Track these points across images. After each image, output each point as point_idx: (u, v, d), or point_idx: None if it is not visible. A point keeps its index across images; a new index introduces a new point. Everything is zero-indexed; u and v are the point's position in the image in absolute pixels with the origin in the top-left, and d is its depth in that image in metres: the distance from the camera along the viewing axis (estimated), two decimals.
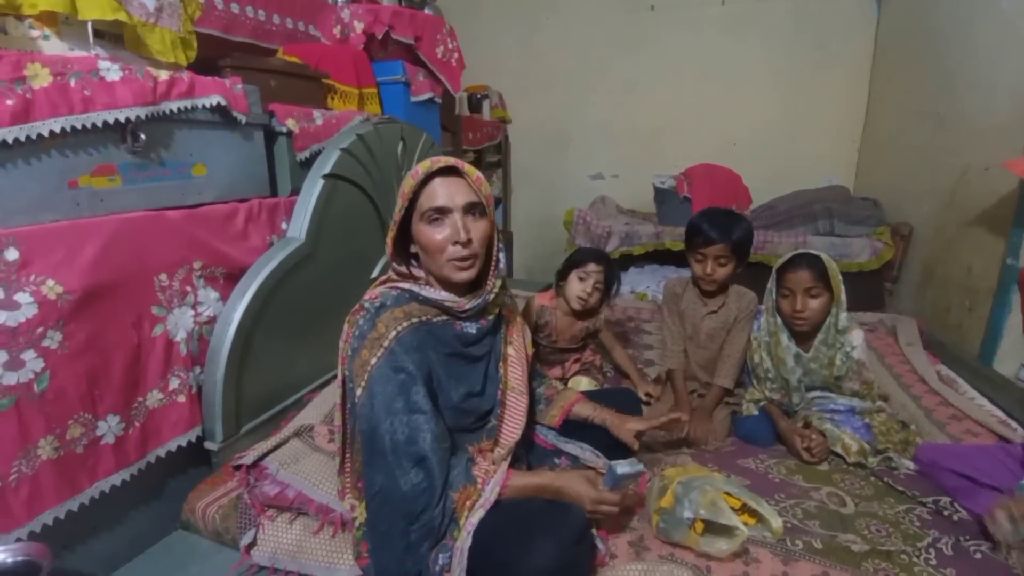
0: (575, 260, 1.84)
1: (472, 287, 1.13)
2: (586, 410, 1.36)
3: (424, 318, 1.08)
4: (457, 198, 1.04)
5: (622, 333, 2.42)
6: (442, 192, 1.04)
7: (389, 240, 1.10)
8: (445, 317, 1.11)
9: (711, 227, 1.65)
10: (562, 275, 1.86)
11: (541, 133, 4.36)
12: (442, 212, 1.04)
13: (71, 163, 1.19)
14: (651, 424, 1.34)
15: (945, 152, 2.57)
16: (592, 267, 1.79)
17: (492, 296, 1.13)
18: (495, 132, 4.00)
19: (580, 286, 1.79)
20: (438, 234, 1.04)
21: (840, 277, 1.53)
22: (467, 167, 1.07)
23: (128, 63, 1.30)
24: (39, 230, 1.10)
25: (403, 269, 1.13)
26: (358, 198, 1.92)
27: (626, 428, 1.31)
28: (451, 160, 1.07)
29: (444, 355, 1.09)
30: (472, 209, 1.06)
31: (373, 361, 1.00)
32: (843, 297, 1.53)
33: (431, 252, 1.06)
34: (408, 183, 1.05)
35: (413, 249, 1.12)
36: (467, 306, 1.10)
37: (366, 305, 1.07)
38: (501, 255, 1.14)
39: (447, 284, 1.11)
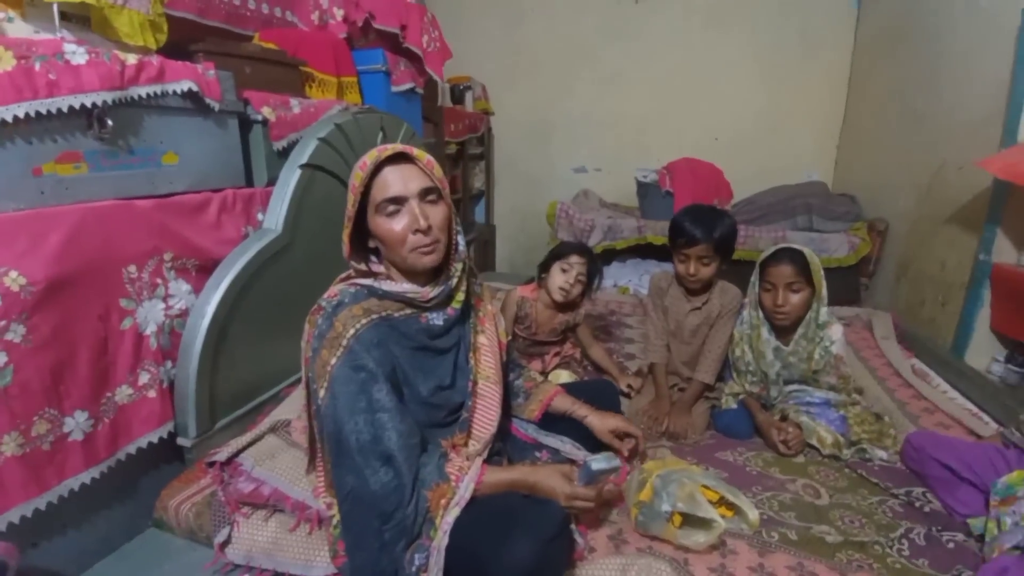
0: (558, 252, 1.84)
1: (434, 275, 1.11)
2: (564, 404, 1.35)
3: (384, 313, 1.05)
4: (411, 185, 1.02)
5: (604, 327, 2.42)
6: (394, 180, 1.01)
7: (345, 237, 1.07)
8: (409, 311, 1.09)
9: (693, 226, 1.63)
10: (544, 267, 1.86)
11: (524, 125, 4.34)
12: (397, 202, 1.01)
13: (35, 150, 1.14)
14: (627, 425, 1.34)
15: (922, 148, 2.61)
16: (575, 259, 1.79)
17: (455, 281, 1.11)
18: (478, 124, 3.97)
19: (562, 278, 1.79)
20: (396, 225, 1.02)
21: (822, 272, 1.55)
22: (417, 151, 1.04)
23: (95, 46, 1.25)
24: (1, 219, 1.06)
25: (362, 267, 1.10)
26: (336, 189, 1.88)
27: (606, 431, 1.31)
28: (399, 146, 1.03)
29: (409, 349, 1.07)
30: (428, 194, 1.03)
31: (333, 361, 0.98)
32: (824, 292, 1.55)
33: (392, 244, 1.03)
34: (357, 176, 1.02)
35: (371, 244, 1.10)
36: (431, 295, 1.08)
37: (324, 304, 1.05)
38: (460, 239, 1.11)
39: (410, 275, 1.09)
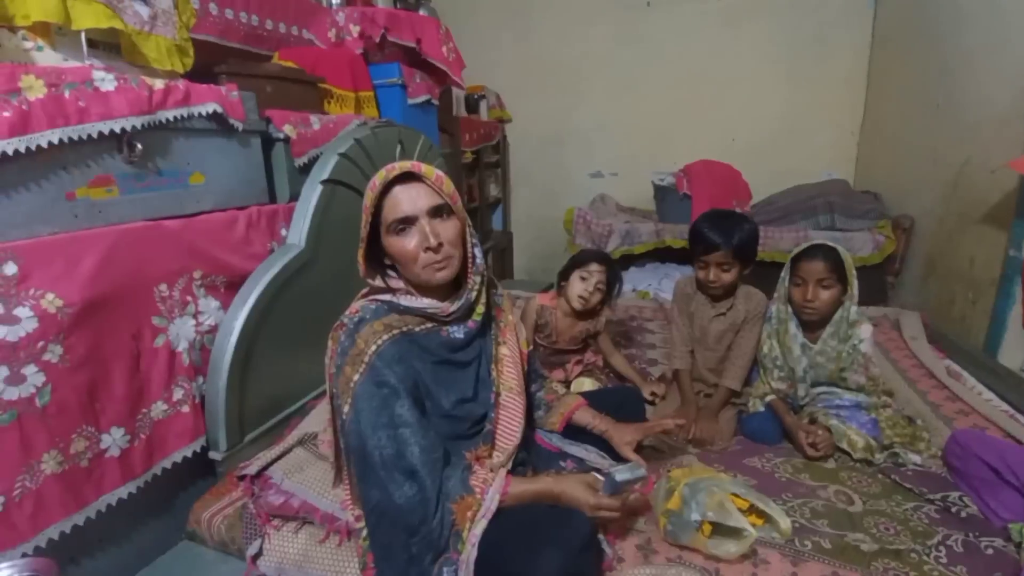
0: (578, 260, 1.84)
1: (453, 288, 1.11)
2: (586, 417, 1.35)
3: (405, 328, 1.07)
4: (420, 203, 1.03)
5: (624, 332, 2.41)
6: (404, 200, 1.03)
7: (360, 257, 1.09)
8: (430, 325, 1.10)
9: (712, 232, 1.62)
10: (564, 275, 1.86)
11: (539, 132, 4.35)
12: (407, 221, 1.03)
13: (68, 175, 1.18)
14: (648, 430, 1.33)
15: (945, 144, 2.56)
16: (595, 267, 1.79)
17: (475, 294, 1.12)
18: (493, 132, 3.99)
19: (582, 286, 1.78)
20: (408, 244, 1.03)
21: (854, 271, 1.53)
22: (425, 168, 1.05)
23: (123, 72, 1.29)
24: (37, 243, 1.10)
25: (379, 284, 1.11)
26: (357, 203, 1.88)
27: (624, 443, 1.29)
28: (407, 165, 1.05)
29: (431, 363, 1.08)
30: (438, 212, 1.04)
31: (356, 378, 0.99)
32: (856, 292, 1.53)
33: (405, 262, 1.05)
34: (368, 196, 1.04)
35: (388, 260, 1.11)
36: (451, 309, 1.09)
37: (346, 321, 1.06)
38: (478, 251, 1.12)
39: (427, 290, 1.09)
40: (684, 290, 1.84)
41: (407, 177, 1.04)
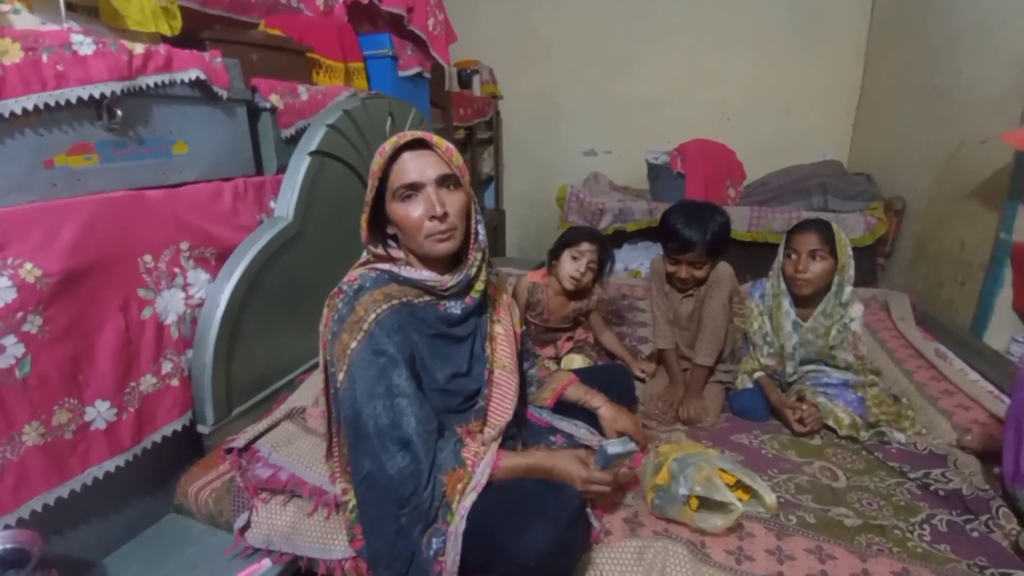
0: (568, 239, 1.80)
1: (453, 263, 1.10)
2: (578, 393, 1.35)
3: (405, 299, 1.06)
4: (429, 171, 1.01)
5: (616, 311, 2.41)
6: (412, 167, 1.01)
7: (363, 222, 1.07)
8: (428, 298, 1.09)
9: (686, 229, 1.57)
10: (555, 254, 1.83)
11: (533, 109, 4.29)
12: (414, 188, 1.01)
13: (46, 141, 1.14)
14: (637, 432, 1.32)
15: (940, 125, 2.55)
16: (586, 246, 1.76)
17: (475, 270, 1.11)
18: (486, 108, 3.92)
19: (573, 265, 1.76)
20: (413, 211, 1.02)
21: (849, 248, 1.54)
22: (436, 139, 1.03)
23: (103, 36, 1.24)
24: (15, 211, 1.07)
25: (380, 251, 1.10)
26: (346, 175, 1.87)
27: (614, 431, 1.30)
28: (418, 133, 1.03)
29: (427, 336, 1.07)
30: (445, 181, 1.03)
31: (353, 345, 0.98)
32: (851, 271, 1.54)
33: (408, 230, 1.03)
34: (377, 162, 1.02)
35: (390, 230, 1.10)
36: (450, 283, 1.08)
37: (344, 288, 1.05)
38: (480, 227, 1.11)
39: (428, 262, 1.08)
40: (659, 269, 1.78)
41: (417, 144, 1.02)
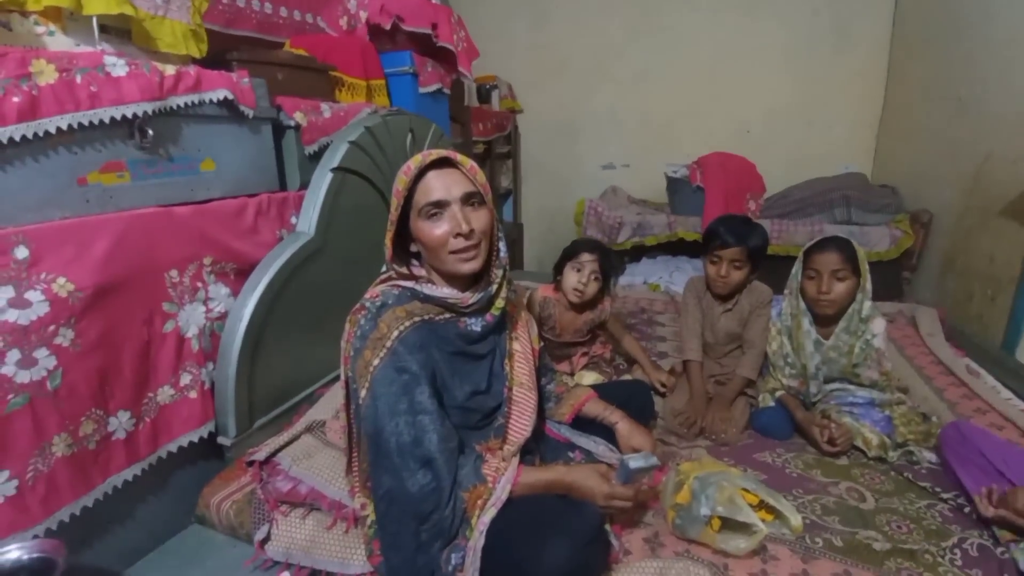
0: (568, 252, 1.80)
1: (474, 280, 1.10)
2: (596, 409, 1.34)
3: (427, 316, 1.06)
4: (454, 189, 1.02)
5: (635, 325, 2.39)
6: (438, 185, 1.02)
7: (388, 241, 1.08)
8: (448, 315, 1.09)
9: (728, 231, 1.67)
10: (558, 269, 1.83)
11: (551, 123, 4.31)
12: (440, 206, 1.02)
13: (79, 160, 1.18)
14: (654, 448, 1.31)
15: (966, 138, 2.50)
16: (586, 257, 1.75)
17: (496, 287, 1.11)
18: (505, 123, 3.96)
19: (576, 277, 1.75)
20: (438, 229, 1.02)
21: (867, 264, 1.51)
22: (461, 157, 1.04)
23: (136, 58, 1.29)
24: (49, 228, 1.10)
25: (403, 270, 1.11)
26: (367, 191, 1.90)
27: (630, 446, 1.29)
28: (443, 152, 1.04)
29: (448, 353, 1.07)
30: (470, 199, 1.04)
31: (376, 362, 0.98)
32: (869, 285, 1.51)
33: (433, 248, 1.04)
34: (401, 181, 1.03)
35: (413, 248, 1.10)
36: (471, 300, 1.08)
37: (367, 304, 1.05)
38: (502, 245, 1.11)
39: (450, 280, 1.09)
40: (696, 285, 1.86)
41: (442, 163, 1.03)
